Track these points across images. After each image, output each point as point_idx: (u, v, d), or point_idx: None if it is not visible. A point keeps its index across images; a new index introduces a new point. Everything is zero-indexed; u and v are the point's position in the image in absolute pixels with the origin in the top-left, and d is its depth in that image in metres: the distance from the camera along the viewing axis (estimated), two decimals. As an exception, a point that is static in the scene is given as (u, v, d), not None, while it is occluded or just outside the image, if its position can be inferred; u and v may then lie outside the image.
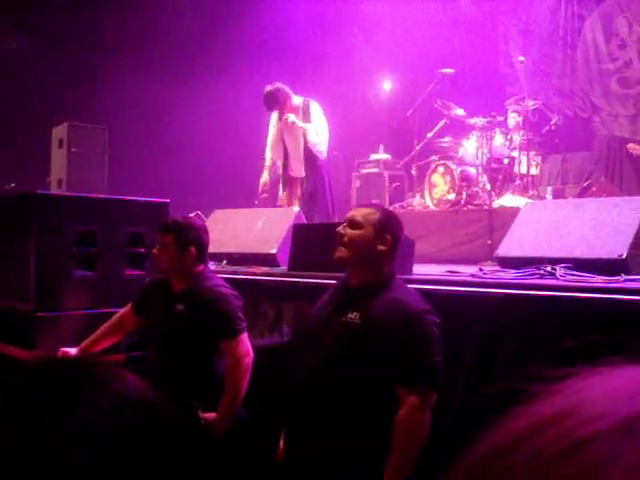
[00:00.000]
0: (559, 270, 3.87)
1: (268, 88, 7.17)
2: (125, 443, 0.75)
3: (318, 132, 7.05)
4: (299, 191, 7.24)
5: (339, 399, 2.77)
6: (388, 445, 2.64)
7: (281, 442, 3.04)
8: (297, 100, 7.22)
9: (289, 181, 7.34)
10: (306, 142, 7.06)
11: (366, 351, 2.73)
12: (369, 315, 2.78)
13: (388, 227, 2.94)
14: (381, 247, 2.90)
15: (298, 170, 7.23)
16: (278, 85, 7.17)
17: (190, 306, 3.60)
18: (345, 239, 2.93)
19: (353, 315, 2.80)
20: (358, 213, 2.99)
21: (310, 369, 2.89)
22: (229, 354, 3.57)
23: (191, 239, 3.65)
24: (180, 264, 3.64)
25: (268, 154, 7.43)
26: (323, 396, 2.81)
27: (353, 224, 2.95)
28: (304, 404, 2.90)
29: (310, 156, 7.09)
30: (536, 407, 0.50)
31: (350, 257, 2.92)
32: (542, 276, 3.91)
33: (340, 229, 2.97)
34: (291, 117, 7.07)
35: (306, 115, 7.12)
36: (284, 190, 7.37)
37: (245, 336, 3.63)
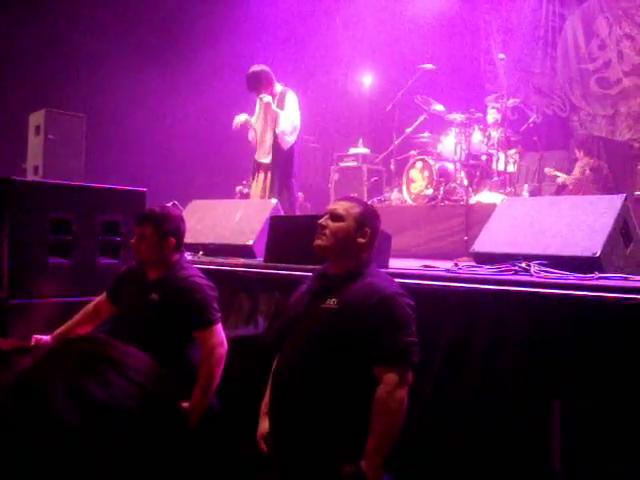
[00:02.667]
0: (533, 266, 3.89)
1: (254, 68, 7.10)
2: (149, 412, 0.84)
3: (291, 121, 7.00)
4: (263, 177, 7.16)
5: (319, 383, 2.81)
6: (367, 426, 2.70)
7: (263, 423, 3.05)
8: (278, 87, 7.18)
9: (257, 168, 7.27)
10: (276, 128, 7.01)
11: (343, 334, 2.80)
12: (346, 300, 2.85)
13: (368, 221, 3.02)
14: (361, 240, 2.98)
15: (265, 156, 7.16)
16: (264, 67, 7.11)
17: (164, 295, 3.58)
18: (326, 231, 2.99)
19: (331, 301, 2.88)
20: (340, 206, 3.05)
21: (291, 356, 2.94)
22: (203, 344, 3.55)
23: (170, 230, 3.63)
24: (158, 254, 3.62)
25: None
26: (304, 382, 2.85)
27: (335, 216, 3.01)
28: (286, 391, 2.92)
29: (278, 144, 7.04)
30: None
31: (330, 247, 2.98)
32: (517, 272, 3.93)
33: (322, 221, 3.03)
34: (267, 98, 7.01)
35: (281, 103, 7.07)
36: (253, 178, 7.31)
37: (219, 327, 3.61)
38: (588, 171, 9.10)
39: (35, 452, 0.76)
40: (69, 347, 0.89)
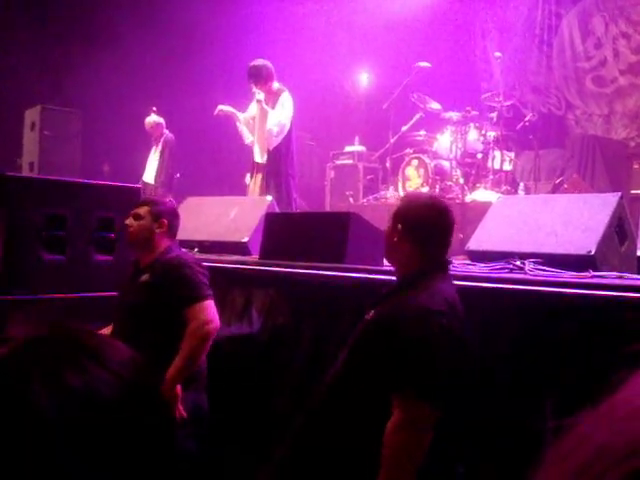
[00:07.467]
0: (528, 265, 3.88)
1: (258, 61, 7.06)
2: (130, 403, 0.84)
3: (278, 121, 6.95)
4: (260, 177, 7.12)
5: (344, 404, 2.51)
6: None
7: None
8: (275, 85, 7.16)
9: (254, 168, 7.24)
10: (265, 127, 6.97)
11: (370, 352, 2.48)
12: (380, 313, 2.54)
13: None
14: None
15: (261, 155, 7.13)
16: (266, 62, 7.08)
17: (154, 274, 3.56)
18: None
19: (370, 313, 2.58)
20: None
21: (333, 371, 2.63)
22: (192, 319, 3.42)
23: (165, 212, 3.72)
24: (150, 235, 3.65)
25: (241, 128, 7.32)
26: (332, 401, 2.55)
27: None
28: (317, 408, 2.64)
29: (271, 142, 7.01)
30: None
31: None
32: (511, 270, 3.92)
33: None
34: (259, 95, 6.97)
35: (274, 102, 7.04)
36: (251, 178, 7.27)
37: (211, 303, 3.51)
38: None
39: (6, 437, 0.76)
40: (48, 336, 0.89)
